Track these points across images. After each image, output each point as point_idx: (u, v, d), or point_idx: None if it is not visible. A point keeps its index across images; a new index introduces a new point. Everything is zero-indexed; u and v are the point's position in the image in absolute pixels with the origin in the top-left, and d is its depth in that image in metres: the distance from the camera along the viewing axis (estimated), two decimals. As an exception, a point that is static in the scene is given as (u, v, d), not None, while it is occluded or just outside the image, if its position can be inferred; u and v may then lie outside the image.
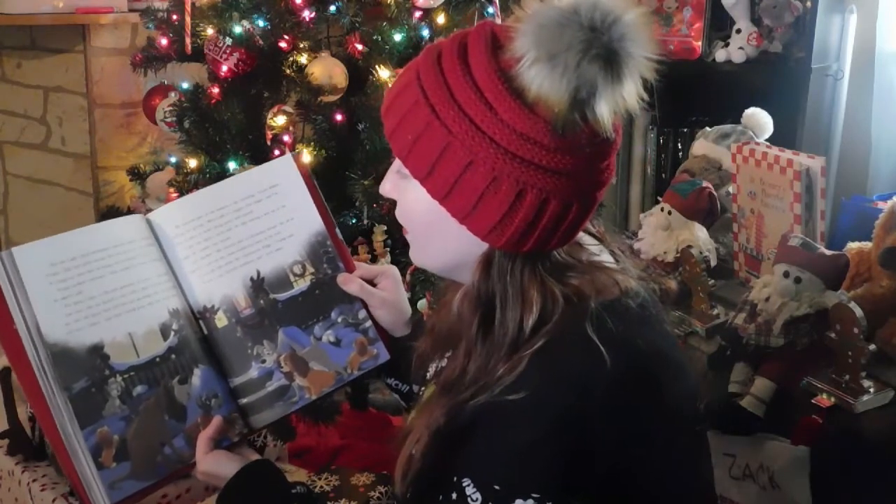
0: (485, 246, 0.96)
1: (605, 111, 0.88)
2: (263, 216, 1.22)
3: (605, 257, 1.03)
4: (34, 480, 2.00)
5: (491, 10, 2.42)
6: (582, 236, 1.02)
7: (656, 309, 1.02)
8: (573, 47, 0.86)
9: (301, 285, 1.22)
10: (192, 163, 2.30)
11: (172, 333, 1.14)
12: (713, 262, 1.90)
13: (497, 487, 0.89)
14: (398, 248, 2.32)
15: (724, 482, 1.53)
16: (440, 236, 0.99)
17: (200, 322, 1.18)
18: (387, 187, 1.04)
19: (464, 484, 0.90)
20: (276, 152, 2.18)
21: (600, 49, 0.86)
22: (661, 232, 1.93)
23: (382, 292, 1.24)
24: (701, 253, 1.85)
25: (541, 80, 0.87)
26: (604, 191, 0.96)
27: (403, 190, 1.01)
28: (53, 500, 1.94)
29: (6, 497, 2.09)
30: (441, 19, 2.38)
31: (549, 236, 0.94)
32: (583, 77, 0.86)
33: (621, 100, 0.89)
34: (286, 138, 2.19)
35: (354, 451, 2.43)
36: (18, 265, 1.09)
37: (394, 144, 0.97)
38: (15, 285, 1.08)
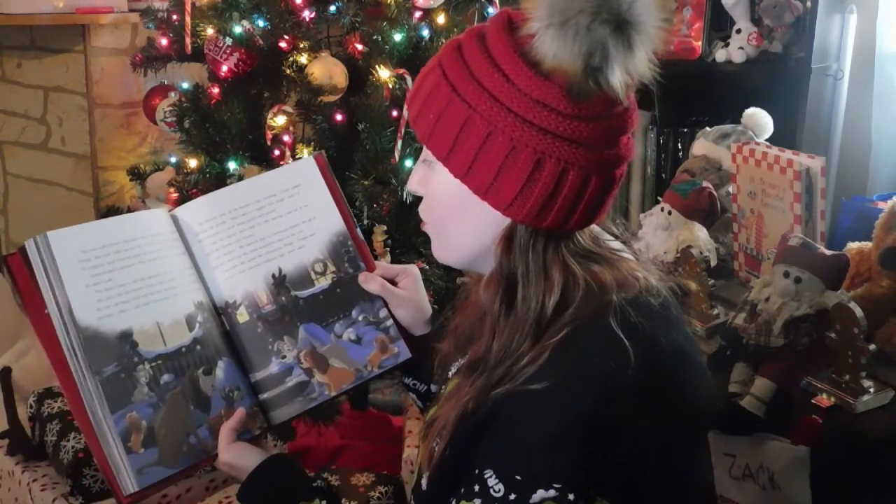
0: (506, 228, 0.98)
1: (618, 79, 0.91)
2: (286, 215, 1.24)
3: (627, 255, 1.04)
4: (34, 480, 2.00)
5: (491, 10, 2.43)
6: (604, 233, 1.04)
7: (677, 310, 1.03)
8: (584, 10, 0.89)
9: (322, 283, 1.23)
10: (192, 163, 2.30)
11: (198, 325, 1.16)
12: (713, 262, 1.90)
13: (518, 477, 0.89)
14: (398, 248, 2.32)
15: (724, 482, 1.53)
16: (462, 221, 1.01)
17: (222, 317, 1.20)
18: (414, 181, 1.06)
19: (486, 475, 0.91)
20: (276, 152, 2.18)
21: (610, 15, 0.89)
22: (661, 232, 1.93)
23: (403, 291, 1.25)
24: (701, 253, 1.85)
25: (555, 46, 0.89)
26: (623, 168, 0.98)
27: (429, 180, 1.03)
28: (53, 500, 1.94)
29: (6, 497, 2.09)
30: (441, 19, 2.37)
31: (569, 211, 0.95)
32: (594, 40, 0.89)
33: (633, 69, 0.92)
34: (286, 138, 2.18)
35: (354, 451, 2.43)
36: (53, 250, 1.11)
37: (418, 129, 1.00)
38: (49, 269, 1.10)
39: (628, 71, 0.91)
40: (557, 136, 0.92)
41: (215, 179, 2.22)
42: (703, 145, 2.24)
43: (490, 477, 0.91)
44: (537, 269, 0.96)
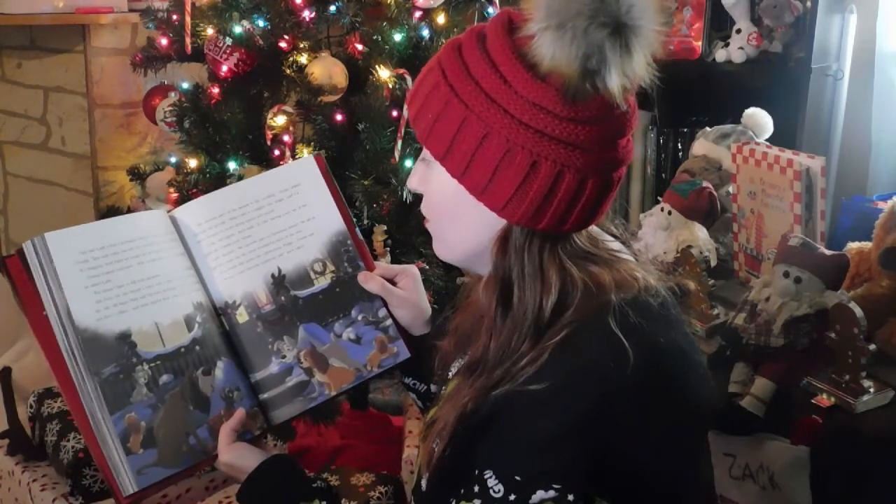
0: (502, 229, 0.98)
1: (615, 82, 0.90)
2: (285, 215, 1.24)
3: (626, 256, 1.04)
4: (34, 480, 2.00)
5: (491, 10, 2.43)
6: (603, 234, 1.04)
7: (676, 310, 1.03)
8: (581, 13, 0.89)
9: (322, 283, 1.24)
10: (192, 163, 2.30)
11: (197, 325, 1.17)
12: (713, 262, 1.90)
13: (518, 478, 0.89)
14: (398, 248, 2.32)
15: (724, 482, 1.53)
16: (460, 220, 1.01)
17: (222, 318, 1.20)
18: (414, 180, 1.07)
19: (485, 476, 0.91)
20: (276, 152, 2.18)
21: (608, 18, 0.89)
22: (661, 232, 1.93)
23: (402, 291, 1.25)
24: (701, 253, 1.85)
25: (553, 49, 0.89)
26: (622, 171, 0.98)
27: (428, 179, 1.03)
28: (53, 500, 1.94)
29: (6, 497, 2.09)
30: (441, 19, 2.37)
31: (565, 213, 0.95)
32: (591, 43, 0.89)
33: (632, 72, 0.91)
34: (286, 138, 2.18)
35: (354, 451, 2.43)
36: (51, 251, 1.11)
37: (417, 129, 1.00)
38: (47, 271, 1.10)
39: (626, 74, 0.91)
40: (553, 139, 0.92)
41: (215, 179, 2.22)
42: (703, 145, 2.24)
43: (490, 477, 0.91)
44: (533, 270, 0.96)
